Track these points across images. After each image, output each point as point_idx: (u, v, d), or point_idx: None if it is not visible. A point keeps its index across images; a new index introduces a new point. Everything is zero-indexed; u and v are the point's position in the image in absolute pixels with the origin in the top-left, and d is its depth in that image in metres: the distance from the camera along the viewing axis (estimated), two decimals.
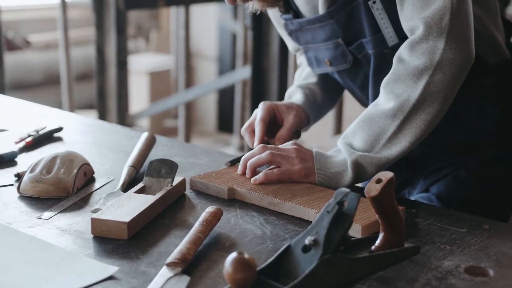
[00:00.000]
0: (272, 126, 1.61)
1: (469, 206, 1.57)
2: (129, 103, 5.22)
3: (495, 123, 1.58)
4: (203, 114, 6.21)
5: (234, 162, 1.50)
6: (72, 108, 4.15)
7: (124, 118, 3.54)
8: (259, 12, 1.53)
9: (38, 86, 5.72)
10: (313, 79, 1.73)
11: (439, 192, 1.61)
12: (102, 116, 3.68)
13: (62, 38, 4.03)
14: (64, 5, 4.01)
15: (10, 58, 5.45)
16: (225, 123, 5.90)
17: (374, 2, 1.46)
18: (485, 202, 1.59)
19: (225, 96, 5.80)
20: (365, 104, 1.66)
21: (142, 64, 5.86)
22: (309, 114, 1.66)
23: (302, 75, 1.76)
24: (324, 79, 1.73)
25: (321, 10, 1.53)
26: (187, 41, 4.05)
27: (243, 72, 3.91)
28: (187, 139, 4.13)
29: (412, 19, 1.38)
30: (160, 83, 5.84)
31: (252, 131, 1.59)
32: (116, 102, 3.52)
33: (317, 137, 4.21)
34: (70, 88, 4.11)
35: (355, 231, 1.22)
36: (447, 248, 1.17)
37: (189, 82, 5.58)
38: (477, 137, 1.59)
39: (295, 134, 1.64)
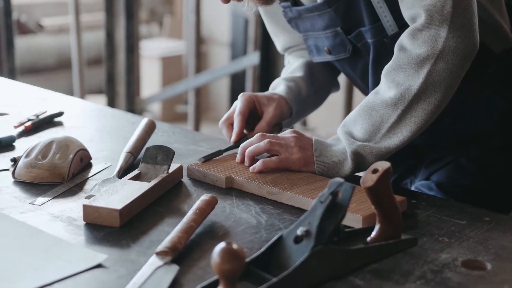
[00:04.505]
0: (252, 118, 1.56)
1: (470, 194, 1.55)
2: (141, 88, 5.23)
3: (499, 112, 1.55)
4: (216, 100, 6.20)
5: (209, 158, 1.45)
6: (83, 93, 4.16)
7: (133, 103, 3.54)
8: (254, 9, 1.50)
9: (51, 70, 5.73)
10: (299, 73, 1.68)
11: (439, 180, 1.58)
12: (111, 100, 3.68)
13: (74, 23, 4.03)
14: None
15: (23, 42, 5.45)
16: None
17: None
18: (486, 191, 1.57)
19: (238, 82, 5.77)
20: (366, 93, 1.64)
21: (154, 49, 5.85)
22: (292, 106, 1.61)
23: (289, 70, 1.72)
24: (311, 74, 1.69)
25: None
26: (197, 27, 4.03)
27: (254, 58, 3.88)
28: (197, 124, 4.11)
29: (413, 7, 1.35)
30: (172, 68, 5.83)
31: (230, 124, 1.55)
32: (125, 87, 3.50)
33: (326, 125, 4.18)
34: (81, 72, 4.11)
35: (356, 222, 1.20)
36: (445, 241, 1.15)
37: (202, 67, 5.57)
38: (481, 127, 1.56)
39: (276, 127, 1.59)
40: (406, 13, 1.39)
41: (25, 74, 5.43)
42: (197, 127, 4.12)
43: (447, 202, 1.35)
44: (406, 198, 1.29)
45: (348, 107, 3.64)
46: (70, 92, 5.42)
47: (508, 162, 1.58)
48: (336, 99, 3.57)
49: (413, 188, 1.64)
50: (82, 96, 4.17)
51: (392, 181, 1.70)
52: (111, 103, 3.70)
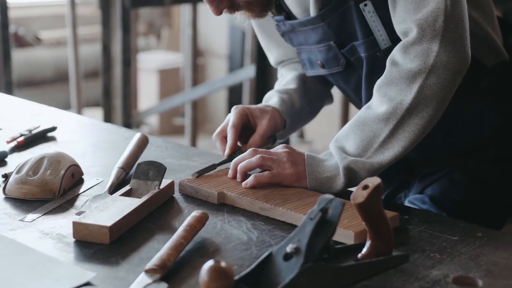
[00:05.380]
0: (245, 131, 1.56)
1: (463, 208, 1.55)
2: (139, 101, 5.23)
3: (492, 126, 1.55)
4: (213, 112, 6.20)
5: (202, 172, 1.44)
6: (80, 106, 4.15)
7: (129, 117, 3.53)
8: (246, 22, 1.50)
9: (49, 83, 5.73)
10: (292, 86, 1.68)
11: (433, 193, 1.58)
12: (108, 114, 3.67)
13: (71, 36, 4.03)
14: (72, 3, 4.01)
15: (20, 55, 5.46)
16: None
17: (365, 5, 1.43)
18: (479, 205, 1.56)
19: (235, 94, 5.77)
20: (359, 107, 1.63)
21: (152, 61, 5.85)
22: (285, 118, 1.61)
23: (282, 83, 1.72)
24: (304, 86, 1.69)
25: (312, 12, 1.50)
26: (194, 39, 4.03)
27: (250, 71, 3.89)
28: (194, 137, 4.11)
29: (405, 22, 1.35)
30: (169, 81, 5.83)
31: (224, 137, 1.54)
32: (121, 100, 3.50)
33: (324, 137, 4.18)
34: (78, 85, 4.10)
35: (348, 238, 1.19)
36: (436, 257, 1.14)
37: (200, 79, 5.57)
38: (474, 140, 1.56)
39: (270, 139, 1.58)
40: (398, 28, 1.39)
41: (23, 87, 5.43)
42: (194, 140, 4.12)
43: (439, 217, 1.34)
44: (398, 213, 1.28)
45: (345, 119, 3.64)
46: (68, 105, 5.42)
47: (501, 175, 1.57)
48: (333, 111, 3.57)
49: (406, 202, 1.63)
50: (79, 109, 4.16)
51: (386, 195, 1.71)
52: (108, 116, 3.70)
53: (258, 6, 1.45)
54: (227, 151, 1.51)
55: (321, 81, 1.72)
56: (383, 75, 1.38)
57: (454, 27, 1.32)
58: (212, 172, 1.46)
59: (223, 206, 1.35)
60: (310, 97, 1.69)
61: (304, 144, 4.61)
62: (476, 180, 1.56)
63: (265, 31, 1.72)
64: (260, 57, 3.43)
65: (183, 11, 4.89)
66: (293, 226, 1.24)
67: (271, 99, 1.64)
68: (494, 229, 1.29)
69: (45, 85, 5.70)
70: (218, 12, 1.43)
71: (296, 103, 1.65)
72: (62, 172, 1.39)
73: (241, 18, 1.48)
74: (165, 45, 6.42)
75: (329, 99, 1.78)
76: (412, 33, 1.34)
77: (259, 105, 1.61)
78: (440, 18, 1.32)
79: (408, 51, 1.34)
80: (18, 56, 5.36)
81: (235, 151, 1.51)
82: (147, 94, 5.73)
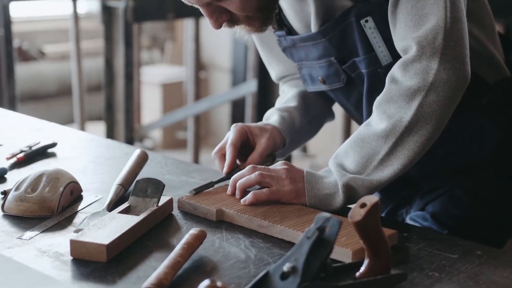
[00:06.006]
0: (244, 149, 1.55)
1: (464, 225, 1.54)
2: (142, 114, 5.23)
3: (494, 143, 1.54)
4: (217, 126, 6.20)
5: (200, 190, 1.44)
6: (83, 120, 4.16)
7: (131, 131, 3.53)
8: (246, 37, 1.50)
9: (52, 97, 5.74)
10: (293, 104, 1.67)
11: (434, 210, 1.57)
12: (110, 128, 3.67)
13: (74, 50, 4.04)
14: (76, 17, 4.03)
15: (24, 69, 5.47)
16: None
17: (366, 21, 1.43)
18: (480, 222, 1.55)
19: (238, 108, 5.77)
20: (360, 123, 1.63)
21: (155, 75, 5.86)
22: (285, 136, 1.60)
23: (283, 100, 1.71)
24: (305, 104, 1.68)
25: (314, 28, 1.50)
26: (197, 54, 4.04)
27: (253, 85, 3.89)
28: (196, 151, 4.11)
29: (405, 39, 1.35)
30: (172, 95, 5.83)
31: (222, 155, 1.53)
32: (124, 115, 3.51)
33: (326, 151, 4.18)
34: (81, 99, 4.11)
35: (346, 256, 1.19)
36: (435, 276, 1.14)
37: (203, 93, 5.57)
38: (475, 158, 1.56)
39: (269, 157, 1.57)
40: (398, 45, 1.39)
41: (26, 101, 5.44)
42: (196, 154, 4.11)
43: (438, 235, 1.33)
44: (397, 231, 1.28)
45: (347, 134, 3.63)
46: (71, 119, 5.43)
47: (502, 193, 1.57)
48: (336, 125, 3.57)
49: (408, 219, 1.63)
50: (83, 123, 4.17)
51: (387, 212, 1.70)
52: (110, 131, 3.70)
53: (257, 20, 1.45)
54: (225, 169, 1.50)
55: (322, 98, 1.71)
56: (383, 92, 1.38)
57: (453, 44, 1.32)
58: (211, 189, 1.46)
59: (221, 223, 1.34)
60: (311, 115, 1.69)
61: (307, 158, 4.61)
62: (477, 197, 1.56)
63: (266, 46, 1.72)
64: (262, 72, 3.43)
65: (186, 25, 4.91)
66: (291, 244, 1.24)
67: (271, 117, 1.64)
68: (496, 246, 1.28)
69: (48, 99, 5.72)
70: (218, 25, 1.43)
71: (297, 121, 1.64)
72: (61, 189, 1.38)
73: (240, 32, 1.48)
74: (169, 58, 6.43)
75: (330, 116, 1.78)
76: (412, 51, 1.34)
77: (258, 123, 1.60)
78: (440, 36, 1.32)
79: (408, 69, 1.34)
80: (22, 70, 5.38)
81: (233, 169, 1.50)
82: (151, 108, 5.74)
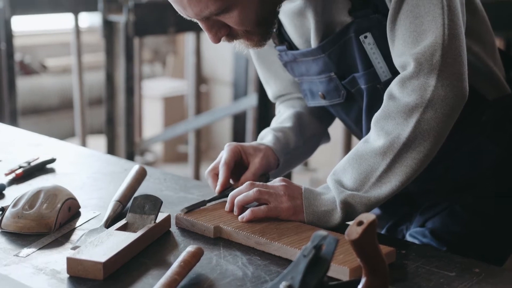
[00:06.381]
0: (238, 168, 1.54)
1: (464, 242, 1.53)
2: (143, 128, 5.24)
3: (493, 160, 1.54)
4: (218, 139, 6.20)
5: (192, 208, 1.43)
6: (84, 133, 4.16)
7: (132, 145, 3.53)
8: (245, 51, 1.50)
9: (54, 110, 5.75)
10: (288, 124, 1.66)
11: (434, 227, 1.57)
12: (111, 142, 3.68)
13: (76, 63, 4.05)
14: (77, 31, 4.04)
15: (26, 82, 5.48)
16: None
17: (365, 37, 1.43)
18: (480, 239, 1.55)
19: (240, 121, 5.77)
20: (360, 138, 1.63)
21: (157, 89, 5.87)
22: (279, 156, 1.59)
23: (278, 120, 1.70)
24: (300, 124, 1.67)
25: (313, 43, 1.51)
26: (197, 67, 4.04)
27: (254, 99, 3.89)
28: (197, 165, 4.10)
29: (403, 55, 1.35)
30: (174, 108, 5.84)
31: (215, 175, 1.52)
32: (124, 129, 3.51)
33: (327, 165, 4.17)
34: (82, 113, 4.12)
35: (343, 274, 1.18)
36: None
37: (204, 106, 5.57)
38: (475, 174, 1.55)
39: (263, 177, 1.56)
40: (396, 61, 1.39)
41: (28, 115, 5.45)
42: (197, 168, 4.11)
43: (437, 252, 1.33)
44: (395, 248, 1.27)
45: (348, 148, 3.63)
46: (73, 132, 5.43)
47: (502, 209, 1.56)
48: (336, 139, 3.57)
49: (408, 235, 1.62)
50: (84, 136, 4.17)
51: (387, 228, 1.70)
52: (111, 145, 3.70)
53: (256, 35, 1.44)
54: (218, 188, 1.49)
55: (318, 120, 1.71)
56: (381, 108, 1.38)
57: (451, 61, 1.32)
58: (208, 205, 1.46)
59: (219, 240, 1.34)
60: (306, 136, 1.68)
61: (308, 172, 4.61)
62: (476, 214, 1.55)
63: (264, 63, 1.72)
64: (263, 86, 3.43)
65: (187, 39, 4.92)
66: (289, 261, 1.23)
67: (266, 137, 1.63)
68: (496, 263, 1.28)
69: (50, 113, 5.72)
70: (216, 40, 1.43)
71: (291, 141, 1.64)
72: (59, 205, 1.38)
73: (239, 46, 1.48)
74: (171, 72, 6.44)
75: (326, 138, 1.77)
76: (410, 67, 1.34)
77: (253, 143, 1.60)
78: (438, 53, 1.32)
79: (406, 85, 1.34)
80: (24, 84, 5.39)
81: (226, 188, 1.50)
82: (152, 121, 5.74)
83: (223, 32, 1.42)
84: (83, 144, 4.17)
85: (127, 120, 3.49)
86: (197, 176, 4.07)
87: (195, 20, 1.40)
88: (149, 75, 6.25)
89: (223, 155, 1.52)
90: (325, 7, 1.47)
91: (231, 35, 1.43)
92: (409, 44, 1.34)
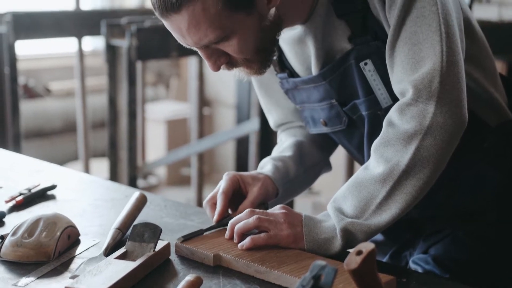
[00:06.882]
0: (237, 198, 1.54)
1: (466, 269, 1.52)
2: (147, 151, 5.24)
3: (495, 186, 1.53)
4: (221, 162, 6.19)
5: (188, 237, 1.42)
6: (87, 156, 4.17)
7: (134, 169, 3.53)
8: (245, 79, 1.50)
9: (57, 134, 5.75)
10: (288, 153, 1.66)
11: (436, 253, 1.56)
12: (114, 166, 3.68)
13: (79, 87, 4.07)
14: (81, 54, 4.06)
15: (30, 106, 5.50)
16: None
17: (365, 64, 1.43)
18: (483, 266, 1.54)
19: (243, 144, 5.77)
20: (362, 164, 1.62)
21: (160, 112, 5.88)
22: (278, 186, 1.59)
23: (279, 149, 1.70)
24: (300, 154, 1.67)
25: (314, 71, 1.51)
26: (200, 91, 4.05)
27: (256, 123, 3.90)
28: (200, 189, 4.10)
29: (402, 82, 1.35)
30: (177, 131, 5.84)
31: (213, 204, 1.51)
32: (127, 153, 3.51)
33: (330, 189, 4.16)
34: (86, 136, 4.13)
35: None
36: None
37: (207, 129, 5.58)
38: (477, 201, 1.55)
39: (261, 206, 1.55)
40: (395, 87, 1.39)
41: (32, 138, 5.46)
42: (200, 191, 4.11)
43: (438, 280, 1.32)
44: (396, 277, 1.26)
45: (350, 172, 3.63)
46: (76, 156, 5.44)
47: (505, 236, 1.55)
48: (339, 163, 3.56)
49: (411, 262, 1.61)
50: (87, 159, 4.18)
51: (391, 254, 1.69)
52: (114, 169, 3.71)
53: (256, 63, 1.45)
54: (215, 217, 1.48)
55: (320, 148, 1.71)
56: (380, 135, 1.38)
57: (450, 88, 1.32)
58: (207, 233, 1.45)
59: (219, 268, 1.33)
60: (306, 165, 1.68)
61: (310, 196, 4.60)
62: (479, 240, 1.54)
63: (266, 91, 1.72)
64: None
65: (190, 63, 4.93)
66: None
67: (265, 166, 1.63)
68: None
69: (53, 136, 5.73)
70: (216, 68, 1.43)
71: (291, 171, 1.63)
72: (58, 234, 1.38)
73: (239, 74, 1.48)
74: (174, 94, 6.46)
75: (327, 167, 1.76)
76: (408, 94, 1.34)
77: (252, 172, 1.59)
78: (436, 80, 1.32)
79: (404, 112, 1.34)
80: (28, 107, 5.40)
81: (224, 217, 1.49)
82: (155, 145, 5.75)
83: (222, 60, 1.42)
84: (86, 167, 4.17)
85: (130, 144, 3.50)
86: (200, 199, 4.06)
87: (195, 48, 1.40)
88: (153, 98, 6.27)
89: (221, 185, 1.52)
90: (325, 34, 1.47)
91: (231, 63, 1.44)
92: (408, 71, 1.34)
